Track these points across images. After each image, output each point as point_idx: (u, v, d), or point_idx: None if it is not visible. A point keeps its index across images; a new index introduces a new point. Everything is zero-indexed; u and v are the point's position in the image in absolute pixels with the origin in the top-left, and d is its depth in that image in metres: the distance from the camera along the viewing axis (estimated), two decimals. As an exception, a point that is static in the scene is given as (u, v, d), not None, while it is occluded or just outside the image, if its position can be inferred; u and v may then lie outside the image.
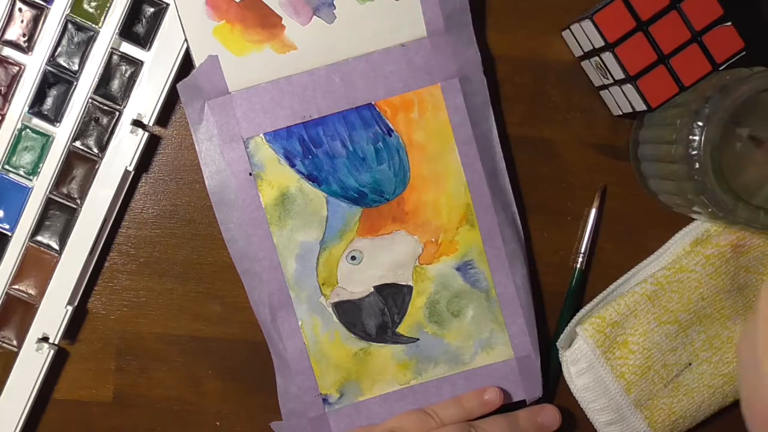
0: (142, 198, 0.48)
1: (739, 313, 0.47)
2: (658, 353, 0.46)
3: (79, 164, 0.46)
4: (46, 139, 0.46)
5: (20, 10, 0.45)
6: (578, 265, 0.48)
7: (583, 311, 0.47)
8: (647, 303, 0.46)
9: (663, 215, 0.48)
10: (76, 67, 0.45)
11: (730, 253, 0.46)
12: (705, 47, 0.42)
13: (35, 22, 0.45)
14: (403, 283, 0.47)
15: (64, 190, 0.46)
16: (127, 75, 0.45)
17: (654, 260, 0.47)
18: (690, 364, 0.47)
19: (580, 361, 0.46)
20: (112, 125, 0.45)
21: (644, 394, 0.46)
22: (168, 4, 0.45)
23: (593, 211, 0.48)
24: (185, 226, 0.48)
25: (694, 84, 0.42)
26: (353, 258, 0.46)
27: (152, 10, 0.45)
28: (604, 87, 0.46)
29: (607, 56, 0.43)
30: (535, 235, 0.48)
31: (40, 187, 0.46)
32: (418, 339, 0.47)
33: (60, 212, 0.46)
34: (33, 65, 0.45)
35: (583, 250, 0.48)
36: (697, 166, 0.40)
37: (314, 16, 0.45)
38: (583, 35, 0.44)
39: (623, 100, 0.45)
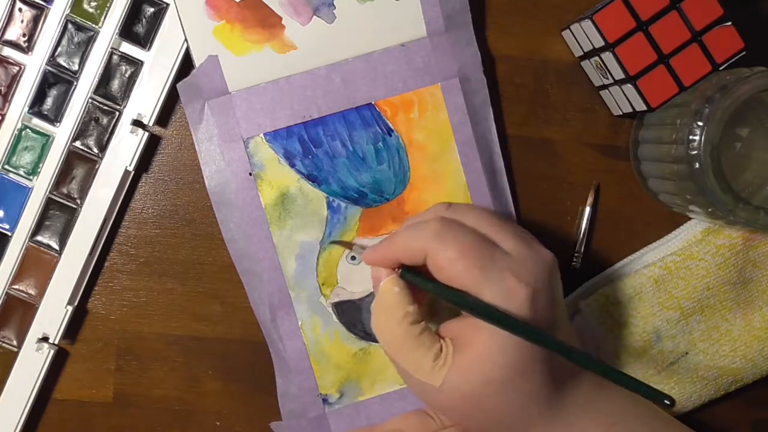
0: (142, 198, 0.48)
1: (741, 307, 0.47)
2: (656, 338, 0.46)
3: (79, 164, 0.46)
4: (46, 139, 0.46)
5: (20, 10, 0.45)
6: (576, 265, 0.48)
7: (585, 286, 0.47)
8: (653, 287, 0.46)
9: (663, 215, 0.48)
10: (76, 67, 0.45)
11: (741, 245, 0.46)
12: (705, 47, 0.42)
13: (35, 22, 0.45)
14: (403, 283, 0.47)
15: (64, 190, 0.46)
16: (127, 75, 0.45)
17: (663, 244, 0.47)
18: (687, 353, 0.47)
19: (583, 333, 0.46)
20: (112, 125, 0.45)
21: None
22: (168, 4, 0.45)
23: (587, 210, 0.48)
24: (185, 226, 0.48)
25: (694, 84, 0.42)
26: (353, 258, 0.46)
27: (152, 10, 0.45)
28: (604, 87, 0.46)
29: (607, 56, 0.43)
30: (534, 235, 0.48)
31: (40, 187, 0.46)
32: (418, 339, 0.47)
33: (60, 212, 0.46)
34: (33, 65, 0.45)
35: (577, 250, 0.48)
36: (697, 166, 0.40)
37: (314, 16, 0.45)
38: (583, 35, 0.44)
39: (623, 100, 0.45)
